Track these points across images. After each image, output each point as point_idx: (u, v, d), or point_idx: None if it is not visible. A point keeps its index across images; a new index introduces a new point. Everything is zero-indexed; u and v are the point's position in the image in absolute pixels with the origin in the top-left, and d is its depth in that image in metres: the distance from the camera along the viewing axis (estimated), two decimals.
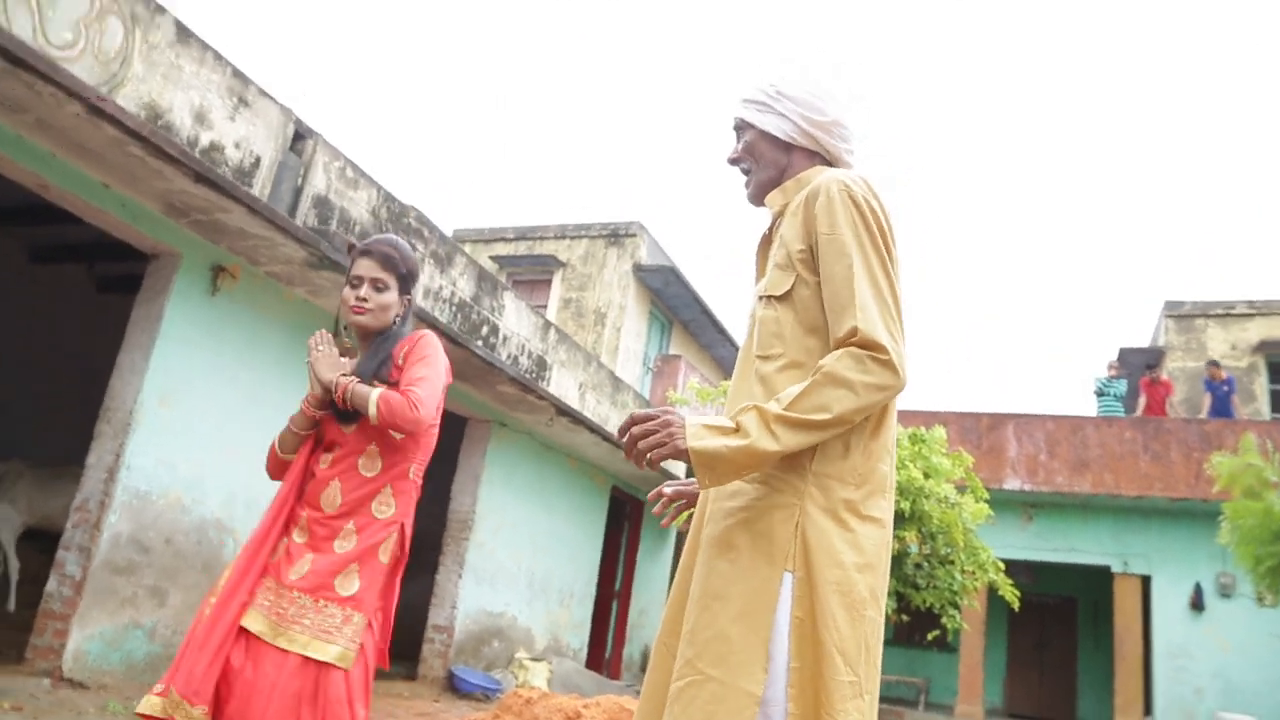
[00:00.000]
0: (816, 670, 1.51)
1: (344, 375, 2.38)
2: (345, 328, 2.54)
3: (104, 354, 6.15)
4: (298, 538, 2.33)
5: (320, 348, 2.43)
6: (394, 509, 2.39)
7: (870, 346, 1.56)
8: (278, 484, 2.46)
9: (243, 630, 2.20)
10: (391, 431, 2.35)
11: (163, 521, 5.46)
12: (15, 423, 8.99)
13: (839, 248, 1.64)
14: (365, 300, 2.44)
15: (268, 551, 2.32)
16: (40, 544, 7.67)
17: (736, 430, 1.56)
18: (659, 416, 1.61)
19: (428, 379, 2.38)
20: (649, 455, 1.60)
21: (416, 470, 2.45)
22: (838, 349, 1.59)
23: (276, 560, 2.30)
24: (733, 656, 1.54)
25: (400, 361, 2.44)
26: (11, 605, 7.39)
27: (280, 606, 2.22)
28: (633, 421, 1.62)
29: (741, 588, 1.58)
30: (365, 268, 2.46)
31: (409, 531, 2.44)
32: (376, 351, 2.45)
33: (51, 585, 5.09)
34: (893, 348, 1.56)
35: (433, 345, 2.48)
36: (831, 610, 1.53)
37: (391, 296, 2.48)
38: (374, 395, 2.31)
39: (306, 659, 2.16)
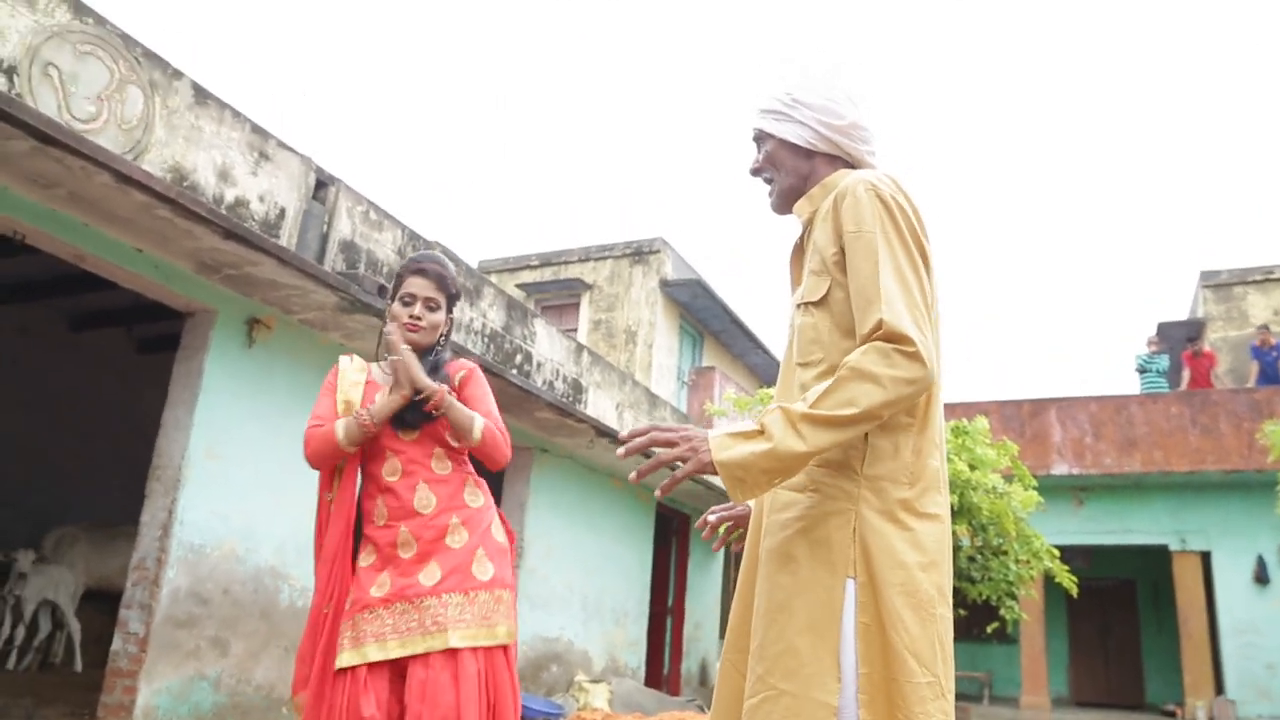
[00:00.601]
0: (889, 675, 1.50)
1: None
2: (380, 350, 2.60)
3: (148, 414, 6.27)
4: (404, 554, 2.35)
5: (405, 347, 2.42)
6: (483, 497, 2.49)
7: (896, 339, 1.53)
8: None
9: (384, 668, 2.26)
10: (455, 440, 2.46)
11: (219, 573, 5.55)
12: (67, 488, 9.18)
13: (865, 245, 1.63)
14: (419, 319, 2.47)
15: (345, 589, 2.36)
16: (99, 605, 7.82)
17: (761, 433, 1.54)
18: (679, 432, 1.60)
19: (498, 414, 2.52)
20: (676, 474, 1.60)
21: None
22: (864, 344, 1.58)
23: (393, 587, 2.32)
24: (804, 669, 1.53)
25: (456, 385, 2.51)
26: (78, 665, 7.54)
27: (433, 616, 2.28)
28: (652, 441, 1.61)
29: (805, 599, 1.57)
30: (419, 286, 2.49)
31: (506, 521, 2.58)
32: (432, 371, 2.49)
33: (117, 643, 5.19)
34: (920, 340, 1.54)
35: (485, 383, 2.59)
36: (898, 612, 1.51)
37: (441, 316, 2.52)
38: (479, 420, 2.40)
39: (476, 649, 2.27)
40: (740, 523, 2.02)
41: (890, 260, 1.61)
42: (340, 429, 2.40)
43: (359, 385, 2.50)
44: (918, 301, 1.59)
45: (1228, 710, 12.26)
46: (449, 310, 2.56)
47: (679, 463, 1.60)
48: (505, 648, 2.34)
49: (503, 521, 2.53)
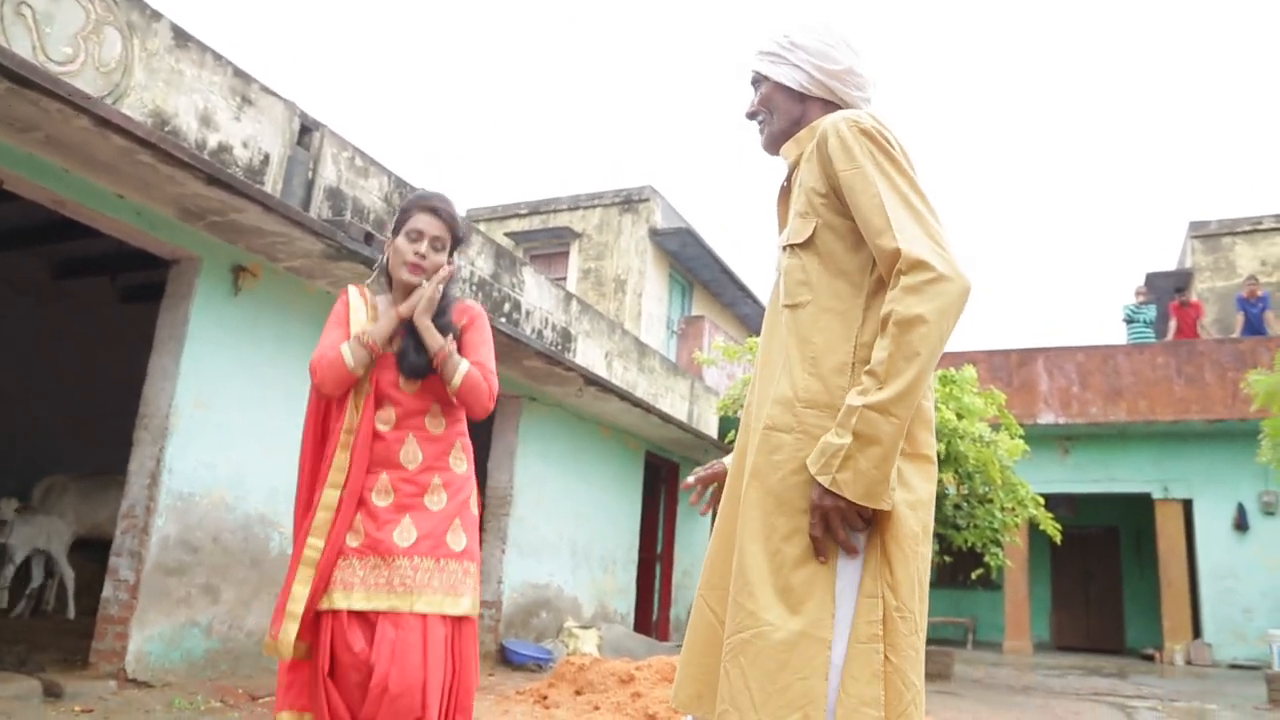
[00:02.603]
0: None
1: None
2: (377, 279, 2.53)
3: (134, 363, 6.23)
4: (379, 501, 2.31)
5: (426, 294, 2.37)
6: (466, 464, 2.44)
7: (917, 267, 1.54)
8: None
9: (360, 615, 2.23)
10: (456, 401, 2.41)
11: (208, 521, 5.56)
12: (54, 438, 9.17)
13: (863, 180, 1.63)
14: (424, 257, 2.41)
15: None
16: (89, 553, 7.85)
17: (865, 440, 1.52)
18: (818, 519, 1.56)
19: (492, 367, 2.45)
20: (847, 534, 1.56)
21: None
22: (889, 277, 1.58)
23: (367, 538, 2.27)
24: (802, 606, 1.56)
25: (458, 333, 2.45)
26: (71, 613, 7.58)
27: (401, 576, 2.25)
28: (818, 540, 1.57)
29: (800, 539, 1.59)
30: (427, 223, 2.42)
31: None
32: (440, 313, 2.43)
33: (108, 591, 5.21)
34: (939, 257, 1.55)
35: (488, 330, 2.52)
36: (885, 548, 1.55)
37: (444, 257, 2.46)
38: (463, 366, 2.35)
39: (444, 616, 2.25)
40: (722, 479, 2.04)
41: (890, 187, 1.62)
42: (347, 351, 2.33)
43: (366, 321, 2.46)
44: (927, 218, 1.60)
45: (1204, 653, 12.53)
46: (452, 253, 2.50)
47: (844, 531, 1.57)
48: (468, 619, 2.30)
49: (478, 494, 2.49)
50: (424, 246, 2.41)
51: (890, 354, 1.54)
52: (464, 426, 2.48)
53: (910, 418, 1.55)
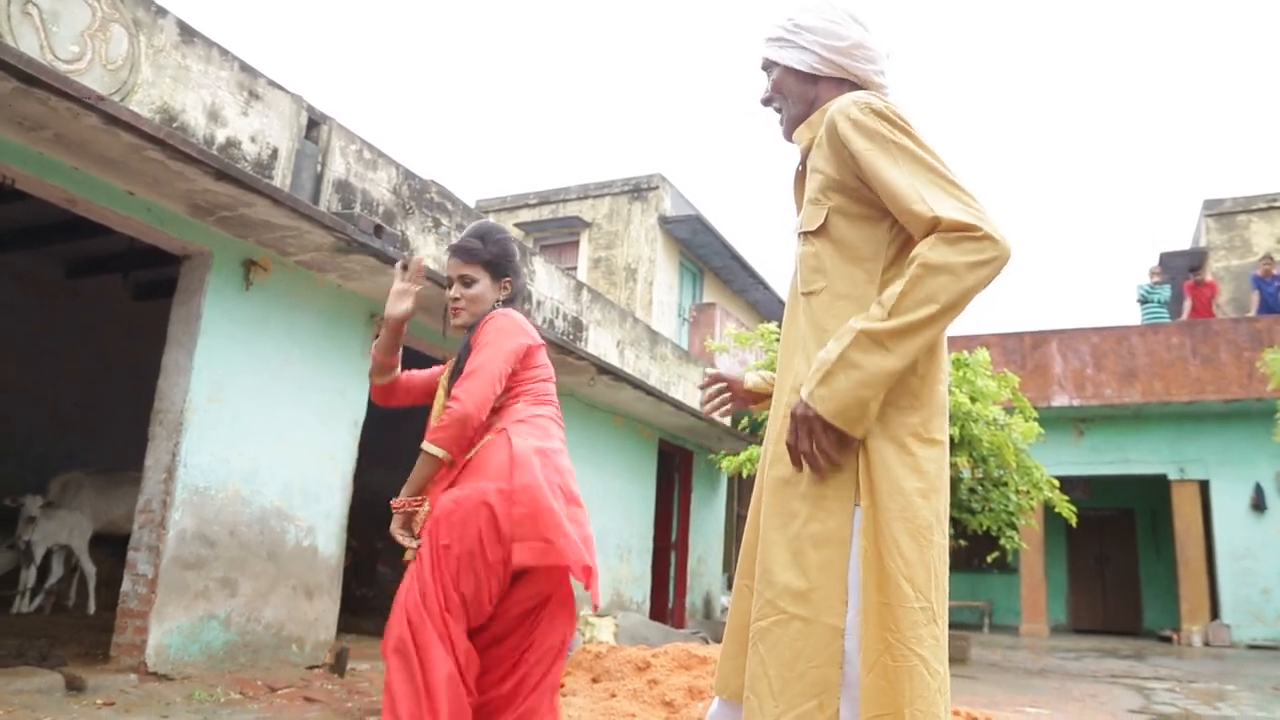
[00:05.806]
0: (883, 599, 1.51)
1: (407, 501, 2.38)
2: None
3: (147, 360, 6.26)
4: None
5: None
6: (489, 437, 2.49)
7: (958, 228, 1.50)
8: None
9: None
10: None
11: (225, 515, 5.59)
12: (69, 435, 9.22)
13: (886, 157, 1.61)
14: (457, 299, 2.55)
15: None
16: (106, 549, 7.92)
17: (845, 365, 1.52)
18: (792, 427, 1.57)
19: (476, 370, 2.39)
20: (826, 460, 1.57)
21: (536, 396, 2.55)
22: (927, 238, 1.54)
23: None
24: (814, 594, 1.55)
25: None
26: (91, 608, 7.65)
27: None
28: (792, 449, 1.60)
29: (815, 527, 1.58)
30: (452, 267, 2.57)
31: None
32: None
33: (127, 585, 5.25)
34: (980, 219, 1.51)
35: (494, 328, 2.47)
36: (896, 538, 1.52)
37: (481, 287, 2.55)
38: (431, 452, 2.33)
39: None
40: (738, 390, 2.17)
41: (913, 160, 1.59)
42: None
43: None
44: (957, 186, 1.57)
45: (1222, 633, 12.48)
46: (497, 276, 2.57)
47: (812, 445, 1.58)
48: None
49: (510, 451, 2.37)
50: (455, 289, 2.56)
51: (904, 291, 1.51)
52: (511, 417, 2.48)
53: (909, 361, 1.52)
